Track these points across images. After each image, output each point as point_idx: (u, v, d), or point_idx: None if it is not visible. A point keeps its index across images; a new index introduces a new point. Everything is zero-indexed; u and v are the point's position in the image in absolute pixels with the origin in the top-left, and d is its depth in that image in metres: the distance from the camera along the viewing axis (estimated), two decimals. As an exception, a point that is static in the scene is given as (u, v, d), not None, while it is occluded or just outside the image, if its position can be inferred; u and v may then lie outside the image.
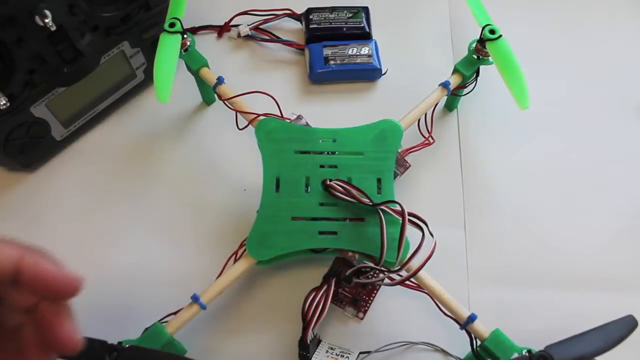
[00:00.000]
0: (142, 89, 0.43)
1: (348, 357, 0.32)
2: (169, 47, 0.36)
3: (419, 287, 0.32)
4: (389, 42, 0.44)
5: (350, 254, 0.33)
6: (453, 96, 0.40)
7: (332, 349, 0.33)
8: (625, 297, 0.36)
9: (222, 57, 0.44)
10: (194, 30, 0.45)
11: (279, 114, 0.37)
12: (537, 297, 0.36)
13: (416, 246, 0.30)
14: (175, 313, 0.31)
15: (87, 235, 0.38)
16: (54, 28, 0.32)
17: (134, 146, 0.41)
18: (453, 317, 0.31)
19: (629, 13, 0.46)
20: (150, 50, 0.40)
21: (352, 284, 0.35)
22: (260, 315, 0.36)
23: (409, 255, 0.30)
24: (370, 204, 0.32)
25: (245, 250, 0.33)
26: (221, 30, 0.45)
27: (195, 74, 0.38)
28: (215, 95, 0.38)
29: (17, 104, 0.35)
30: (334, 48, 0.43)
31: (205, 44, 0.45)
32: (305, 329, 0.31)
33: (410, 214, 0.30)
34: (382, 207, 0.32)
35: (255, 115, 0.36)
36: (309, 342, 0.31)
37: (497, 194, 0.39)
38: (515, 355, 0.29)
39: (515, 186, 0.39)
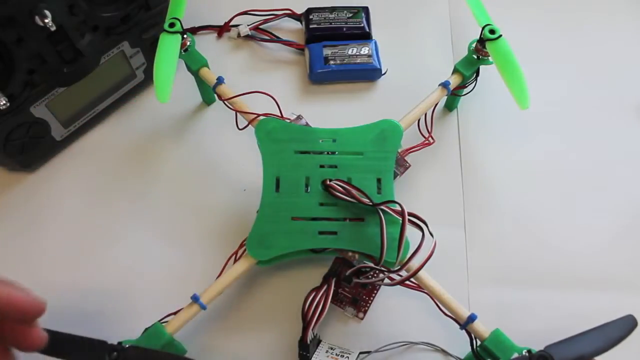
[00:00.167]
0: (142, 89, 0.43)
1: (348, 357, 0.32)
2: (168, 47, 0.36)
3: (419, 287, 0.32)
4: (389, 42, 0.44)
5: (350, 254, 0.33)
6: (453, 96, 0.40)
7: (332, 349, 0.33)
8: (625, 297, 0.36)
9: (222, 57, 0.44)
10: (194, 30, 0.45)
11: (279, 114, 0.37)
12: (537, 297, 0.36)
13: (416, 246, 0.30)
14: (175, 313, 0.31)
15: (87, 235, 0.38)
16: (54, 28, 0.32)
17: (134, 146, 0.41)
18: (453, 317, 0.31)
19: (629, 13, 0.46)
20: (150, 50, 0.40)
21: (352, 284, 0.35)
22: (260, 315, 0.36)
23: (408, 255, 0.30)
24: (370, 204, 0.32)
25: (245, 250, 0.33)
26: (221, 30, 0.45)
27: (195, 74, 0.38)
28: (215, 96, 0.38)
29: (17, 104, 0.35)
30: (334, 48, 0.43)
31: (205, 44, 0.45)
32: (305, 329, 0.31)
33: (410, 214, 0.30)
34: (382, 207, 0.32)
35: (255, 115, 0.36)
36: (309, 342, 0.31)
37: (497, 194, 0.39)
38: (515, 355, 0.28)
39: (515, 186, 0.39)
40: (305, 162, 0.34)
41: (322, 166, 0.34)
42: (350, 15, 0.44)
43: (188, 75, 0.39)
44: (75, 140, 0.41)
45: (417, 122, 0.37)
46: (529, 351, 0.28)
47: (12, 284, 0.24)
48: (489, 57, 0.37)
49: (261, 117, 0.36)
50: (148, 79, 0.42)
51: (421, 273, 0.31)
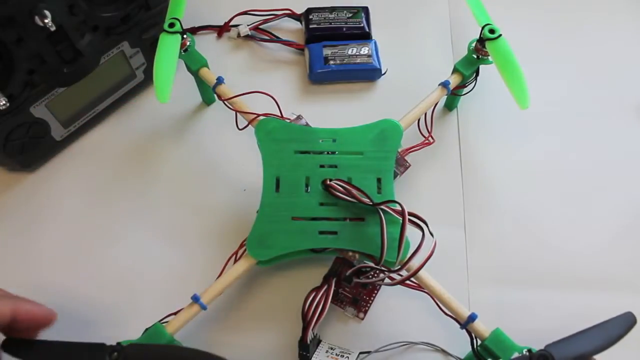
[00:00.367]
0: (142, 89, 0.43)
1: (348, 357, 0.32)
2: (168, 47, 0.36)
3: (419, 286, 0.32)
4: (388, 42, 0.44)
5: (350, 253, 0.33)
6: (453, 96, 0.40)
7: (332, 349, 0.33)
8: (625, 296, 0.36)
9: (221, 57, 0.44)
10: (194, 31, 0.45)
11: (279, 114, 0.37)
12: (537, 297, 0.36)
13: (416, 246, 0.30)
14: (175, 313, 0.31)
15: (86, 235, 0.38)
16: (53, 28, 0.32)
17: (134, 146, 0.41)
18: (453, 316, 0.31)
19: (629, 13, 0.46)
20: (150, 50, 0.40)
21: (352, 284, 0.35)
22: (260, 315, 0.36)
23: (409, 255, 0.30)
24: (371, 203, 0.32)
25: (245, 250, 0.33)
26: (221, 30, 0.45)
27: (195, 74, 0.38)
28: (215, 96, 0.38)
29: (17, 104, 0.35)
30: (334, 48, 0.43)
31: (205, 44, 0.45)
32: (305, 329, 0.31)
33: (410, 214, 0.30)
34: (382, 206, 0.32)
35: (255, 115, 0.36)
36: (309, 342, 0.31)
37: (497, 194, 0.39)
38: (516, 354, 0.28)
39: (515, 186, 0.39)
40: (305, 162, 0.34)
41: (322, 166, 0.34)
42: (350, 15, 0.44)
43: (188, 76, 0.39)
44: (75, 140, 0.41)
45: (417, 121, 0.37)
46: (529, 350, 0.27)
47: (29, 300, 0.28)
48: (489, 57, 0.37)
49: (261, 117, 0.36)
50: (148, 79, 0.42)
51: (421, 273, 0.31)
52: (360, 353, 0.33)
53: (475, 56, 0.37)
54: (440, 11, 0.46)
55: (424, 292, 0.32)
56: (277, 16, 0.45)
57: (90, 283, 0.37)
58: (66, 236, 0.38)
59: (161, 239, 0.38)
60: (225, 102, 0.37)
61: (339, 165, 0.34)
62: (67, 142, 0.41)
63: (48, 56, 0.34)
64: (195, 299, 0.31)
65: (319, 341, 0.34)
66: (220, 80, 0.37)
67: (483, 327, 0.30)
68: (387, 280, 0.32)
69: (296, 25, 0.46)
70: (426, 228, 0.30)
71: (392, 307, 0.36)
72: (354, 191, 0.32)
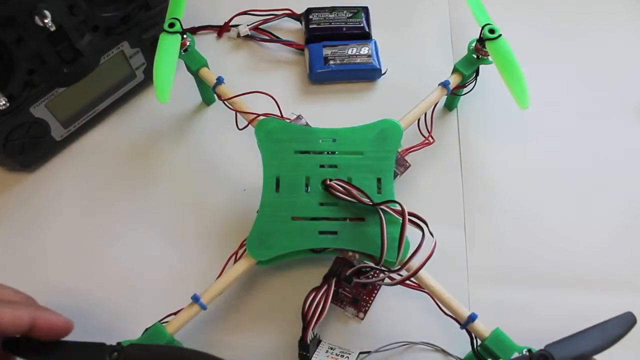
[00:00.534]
0: (142, 89, 0.43)
1: (348, 357, 0.32)
2: (168, 47, 0.36)
3: (419, 286, 0.32)
4: (388, 42, 0.44)
5: (350, 253, 0.33)
6: (453, 96, 0.40)
7: (332, 349, 0.33)
8: (625, 296, 0.36)
9: (221, 57, 0.44)
10: (194, 31, 0.45)
11: (279, 114, 0.37)
12: (537, 297, 0.36)
13: (416, 246, 0.30)
14: (175, 313, 0.31)
15: (86, 236, 0.38)
16: (53, 28, 0.32)
17: (134, 146, 0.41)
18: (453, 316, 0.31)
19: (629, 13, 0.46)
20: (150, 50, 0.40)
21: (352, 284, 0.35)
22: (260, 315, 0.36)
23: (409, 255, 0.30)
24: (371, 203, 0.32)
25: (245, 250, 0.33)
26: (221, 30, 0.45)
27: (195, 74, 0.38)
28: (215, 96, 0.38)
29: (16, 104, 0.35)
30: (334, 48, 0.43)
31: (205, 44, 0.45)
32: (305, 329, 0.31)
33: (410, 214, 0.30)
34: (382, 206, 0.32)
35: (255, 115, 0.36)
36: (309, 342, 0.31)
37: (497, 194, 0.39)
38: (516, 354, 0.28)
39: (515, 186, 0.39)
40: (305, 162, 0.34)
41: (322, 166, 0.34)
42: (350, 15, 0.44)
43: (188, 76, 0.39)
44: (75, 140, 0.41)
45: (417, 121, 0.37)
46: (529, 350, 0.27)
47: (49, 310, 0.29)
48: (489, 57, 0.37)
49: (261, 117, 0.36)
50: (148, 79, 0.42)
51: (421, 272, 0.31)
52: (360, 353, 0.33)
53: (475, 56, 0.37)
54: (440, 11, 0.46)
55: (424, 292, 0.32)
56: (277, 16, 0.45)
57: (90, 283, 0.37)
58: (66, 236, 0.38)
59: (161, 239, 0.38)
60: (225, 102, 0.37)
61: (339, 165, 0.34)
62: (67, 142, 0.41)
63: (48, 56, 0.34)
64: (195, 298, 0.31)
65: (319, 341, 0.34)
66: (220, 80, 0.37)
67: (483, 327, 0.30)
68: (387, 280, 0.32)
69: (296, 25, 0.46)
70: (426, 228, 0.30)
71: (392, 307, 0.36)
72: (354, 191, 0.32)
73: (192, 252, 0.38)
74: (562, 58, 0.44)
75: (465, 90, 0.39)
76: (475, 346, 0.31)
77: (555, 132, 0.41)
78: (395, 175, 0.38)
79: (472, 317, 0.30)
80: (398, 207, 0.31)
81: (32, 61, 0.34)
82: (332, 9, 0.44)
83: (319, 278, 0.34)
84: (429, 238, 0.30)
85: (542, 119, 0.41)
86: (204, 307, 0.31)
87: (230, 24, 0.45)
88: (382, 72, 0.43)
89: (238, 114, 0.37)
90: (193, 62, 0.38)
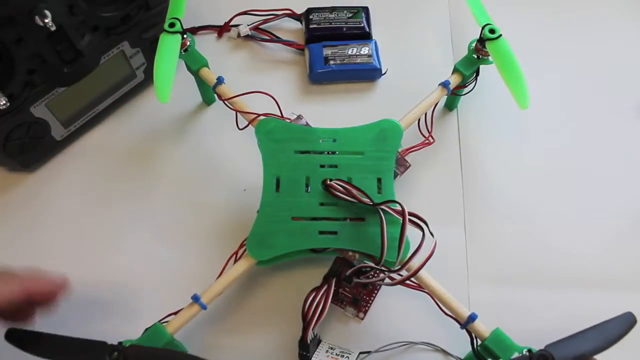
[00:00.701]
0: (142, 89, 0.43)
1: (348, 357, 0.32)
2: (168, 47, 0.36)
3: (420, 286, 0.32)
4: (389, 42, 0.44)
5: (350, 253, 0.33)
6: (453, 96, 0.40)
7: (332, 348, 0.33)
8: (625, 297, 0.36)
9: (222, 57, 0.44)
10: (194, 30, 0.45)
11: (279, 114, 0.37)
12: (537, 297, 0.36)
13: (416, 246, 0.30)
14: (175, 313, 0.31)
15: (87, 236, 0.38)
16: (53, 28, 0.32)
17: (134, 146, 0.41)
18: (453, 316, 0.31)
19: (629, 13, 0.46)
20: (150, 50, 0.40)
21: (352, 284, 0.35)
22: (260, 315, 0.36)
23: (409, 255, 0.30)
24: (371, 203, 0.32)
25: (245, 250, 0.33)
26: (221, 30, 0.45)
27: (195, 74, 0.38)
28: (215, 95, 0.38)
29: (17, 104, 0.35)
30: (334, 48, 0.43)
31: (205, 44, 0.45)
32: (305, 329, 0.31)
33: (410, 214, 0.30)
34: (383, 206, 0.32)
35: (255, 115, 0.36)
36: (309, 341, 0.31)
37: (497, 193, 0.39)
38: (516, 354, 0.28)
39: (515, 186, 0.39)
40: (305, 162, 0.34)
41: (322, 166, 0.34)
42: (350, 15, 0.44)
43: (188, 76, 0.39)
44: (75, 140, 0.41)
45: (417, 121, 0.37)
46: (529, 350, 0.27)
47: (37, 274, 0.29)
48: (489, 57, 0.37)
49: (261, 117, 0.36)
50: (148, 78, 0.42)
51: (421, 272, 0.31)
52: (361, 353, 0.33)
53: (475, 56, 0.37)
54: (441, 11, 0.46)
55: (424, 292, 0.32)
56: (277, 16, 0.45)
57: (91, 282, 0.37)
58: (66, 236, 0.38)
59: (160, 239, 0.38)
60: (226, 102, 0.37)
61: (339, 165, 0.34)
62: (67, 142, 0.41)
63: (48, 56, 0.34)
64: (196, 298, 0.31)
65: (319, 341, 0.34)
66: (220, 80, 0.37)
67: (483, 327, 0.30)
68: (387, 280, 0.32)
69: (296, 25, 0.46)
70: (426, 228, 0.30)
71: (392, 307, 0.36)
72: (354, 191, 0.32)
73: (192, 252, 0.38)
74: (562, 58, 0.44)
75: (466, 90, 0.39)
76: (475, 346, 0.31)
77: (555, 132, 0.41)
78: (396, 175, 0.38)
79: (472, 317, 0.30)
80: (398, 207, 0.31)
81: (33, 61, 0.34)
82: (333, 9, 0.44)
83: (319, 278, 0.34)
84: (429, 238, 0.30)
85: (542, 119, 0.41)
86: (204, 307, 0.31)
87: (231, 24, 0.45)
88: (383, 72, 0.43)
89: (238, 113, 0.37)
90: (193, 62, 0.38)
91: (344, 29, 0.43)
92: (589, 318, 0.29)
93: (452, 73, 0.38)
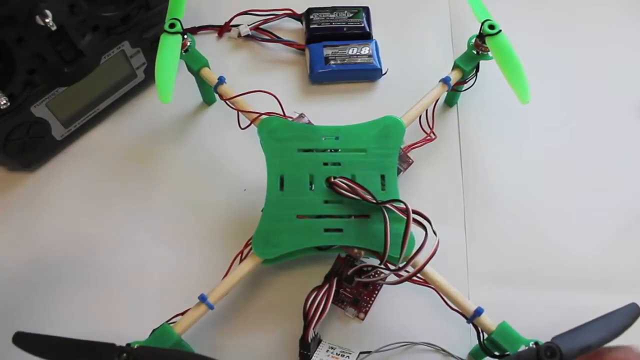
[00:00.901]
0: (142, 88, 0.43)
1: (348, 356, 0.32)
2: (169, 48, 0.36)
3: (425, 282, 0.32)
4: (389, 42, 0.44)
5: (355, 250, 0.33)
6: (453, 92, 0.40)
7: (332, 348, 0.33)
8: (625, 297, 0.35)
9: (222, 57, 0.44)
10: (194, 31, 0.45)
11: (281, 113, 0.37)
12: (537, 296, 0.36)
13: (419, 244, 0.30)
14: (182, 314, 0.31)
15: (88, 236, 0.38)
16: (54, 28, 0.31)
17: (135, 146, 0.41)
18: (459, 311, 0.31)
19: (629, 13, 0.46)
20: (150, 50, 0.40)
21: (353, 284, 0.35)
22: (261, 314, 0.36)
23: (413, 252, 0.30)
24: (375, 202, 0.32)
25: (251, 249, 0.32)
26: (221, 30, 0.45)
27: (196, 74, 0.38)
28: (216, 95, 0.38)
29: (17, 104, 0.35)
30: (334, 48, 0.43)
31: (206, 44, 0.45)
32: (306, 328, 0.31)
33: (414, 212, 0.30)
34: (387, 205, 0.32)
35: (258, 115, 0.36)
36: (309, 341, 0.31)
37: (497, 190, 0.39)
38: (523, 347, 0.29)
39: (514, 183, 0.40)
40: (308, 160, 0.34)
41: (325, 164, 0.34)
42: (351, 15, 0.44)
43: (188, 76, 0.39)
44: (76, 140, 0.41)
45: (418, 118, 0.37)
46: (536, 343, 0.28)
47: None
48: (489, 53, 0.37)
49: (263, 116, 0.36)
50: (148, 78, 0.42)
51: (427, 268, 0.31)
52: (361, 353, 0.33)
53: (475, 52, 0.37)
54: (441, 12, 0.46)
55: (430, 287, 0.32)
56: (277, 16, 0.45)
57: (92, 284, 0.36)
58: (66, 237, 0.38)
59: (161, 239, 0.38)
60: (227, 101, 0.37)
61: (343, 163, 0.34)
62: (67, 141, 0.40)
63: (49, 56, 0.34)
64: (203, 298, 0.31)
65: (320, 341, 0.34)
66: (221, 80, 0.37)
67: (490, 320, 0.30)
68: (392, 277, 0.32)
69: (297, 25, 0.46)
70: (429, 226, 0.30)
71: (392, 307, 0.36)
72: (358, 189, 0.32)
73: (192, 252, 0.37)
74: (562, 57, 0.44)
75: (466, 86, 0.39)
76: (482, 340, 0.31)
77: (555, 131, 0.42)
78: (399, 172, 0.38)
79: (479, 311, 0.30)
80: (402, 205, 0.31)
81: (33, 61, 0.34)
82: (333, 9, 0.44)
83: (320, 277, 0.34)
84: (431, 236, 0.30)
85: (542, 117, 0.42)
86: (211, 307, 0.31)
87: (231, 23, 0.45)
88: (383, 72, 0.43)
89: (240, 113, 0.37)
90: (194, 62, 0.38)
91: (345, 29, 0.43)
92: (589, 318, 0.28)
93: (452, 69, 0.38)
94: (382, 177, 0.34)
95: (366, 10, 0.44)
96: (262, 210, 0.33)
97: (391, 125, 0.35)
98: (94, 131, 0.42)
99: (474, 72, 0.38)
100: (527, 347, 0.28)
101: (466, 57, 0.38)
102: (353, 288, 0.36)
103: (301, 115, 0.40)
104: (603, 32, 0.46)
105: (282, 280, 0.36)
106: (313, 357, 0.31)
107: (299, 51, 0.45)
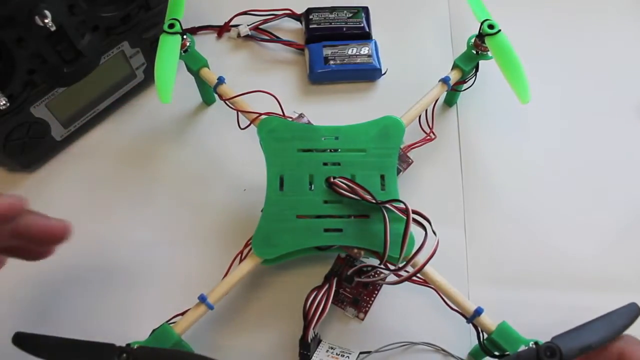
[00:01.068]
0: (142, 89, 0.43)
1: (348, 356, 0.32)
2: (169, 48, 0.36)
3: (425, 282, 0.32)
4: (389, 42, 0.44)
5: (355, 250, 0.33)
6: (453, 92, 0.40)
7: (332, 348, 0.33)
8: (625, 297, 0.35)
9: (221, 57, 0.44)
10: (194, 31, 0.45)
11: (281, 113, 0.37)
12: (537, 296, 0.36)
13: (419, 244, 0.30)
14: (182, 314, 0.31)
15: (88, 236, 0.38)
16: (53, 28, 0.31)
17: (134, 146, 0.41)
18: (459, 311, 0.31)
19: (629, 13, 0.46)
20: (150, 50, 0.40)
21: (353, 284, 0.35)
22: (261, 314, 0.36)
23: (413, 251, 0.30)
24: (374, 202, 0.32)
25: (250, 249, 0.32)
26: (221, 30, 0.45)
27: (196, 74, 0.38)
28: (215, 96, 0.38)
29: (17, 104, 0.35)
30: (334, 48, 0.43)
31: (205, 44, 0.45)
32: (306, 328, 0.31)
33: (414, 212, 0.30)
34: (387, 205, 0.32)
35: (257, 115, 0.36)
36: (309, 341, 0.31)
37: (496, 190, 0.39)
38: (523, 347, 0.29)
39: (514, 182, 0.40)
40: (308, 160, 0.34)
41: (325, 164, 0.34)
42: (350, 15, 0.44)
43: (187, 76, 0.39)
44: (76, 140, 0.41)
45: (418, 118, 0.37)
46: (535, 343, 0.28)
47: (38, 213, 0.27)
48: (488, 52, 0.37)
49: (263, 116, 0.36)
50: (148, 79, 0.42)
51: (427, 268, 0.31)
52: (361, 353, 0.33)
53: (474, 52, 0.37)
54: (441, 11, 0.46)
55: (430, 287, 0.32)
56: (277, 16, 0.45)
57: (92, 284, 0.36)
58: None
59: (161, 239, 0.38)
60: (227, 101, 0.37)
61: (342, 163, 0.34)
62: (67, 142, 0.40)
63: (48, 56, 0.34)
64: (202, 299, 0.31)
65: (320, 341, 0.34)
66: (221, 80, 0.37)
67: (489, 320, 0.30)
68: (392, 277, 0.32)
69: (296, 25, 0.46)
70: (429, 227, 0.30)
71: (392, 307, 0.36)
72: (358, 189, 0.32)
73: (192, 252, 0.37)
74: (562, 57, 0.44)
75: (465, 86, 0.39)
76: (482, 340, 0.31)
77: (555, 130, 0.42)
78: (398, 172, 0.38)
79: (479, 311, 0.30)
80: (402, 205, 0.31)
81: (33, 61, 0.34)
82: (332, 9, 0.44)
83: (320, 277, 0.34)
84: (431, 236, 0.30)
85: (542, 117, 0.42)
86: (210, 307, 0.31)
87: (231, 24, 0.45)
88: (383, 72, 0.43)
89: (239, 113, 0.37)
90: (193, 63, 0.38)
91: (344, 29, 0.43)
92: (589, 318, 0.28)
93: (452, 69, 0.38)
94: (382, 177, 0.34)
95: (366, 10, 0.44)
96: (261, 210, 0.33)
97: (391, 125, 0.35)
98: (93, 131, 0.42)
99: (474, 71, 0.38)
100: (527, 347, 0.28)
101: (466, 57, 0.38)
102: (353, 288, 0.36)
103: (301, 115, 0.40)
104: (603, 32, 0.46)
105: (282, 280, 0.36)
106: (313, 357, 0.31)
107: (299, 51, 0.45)
